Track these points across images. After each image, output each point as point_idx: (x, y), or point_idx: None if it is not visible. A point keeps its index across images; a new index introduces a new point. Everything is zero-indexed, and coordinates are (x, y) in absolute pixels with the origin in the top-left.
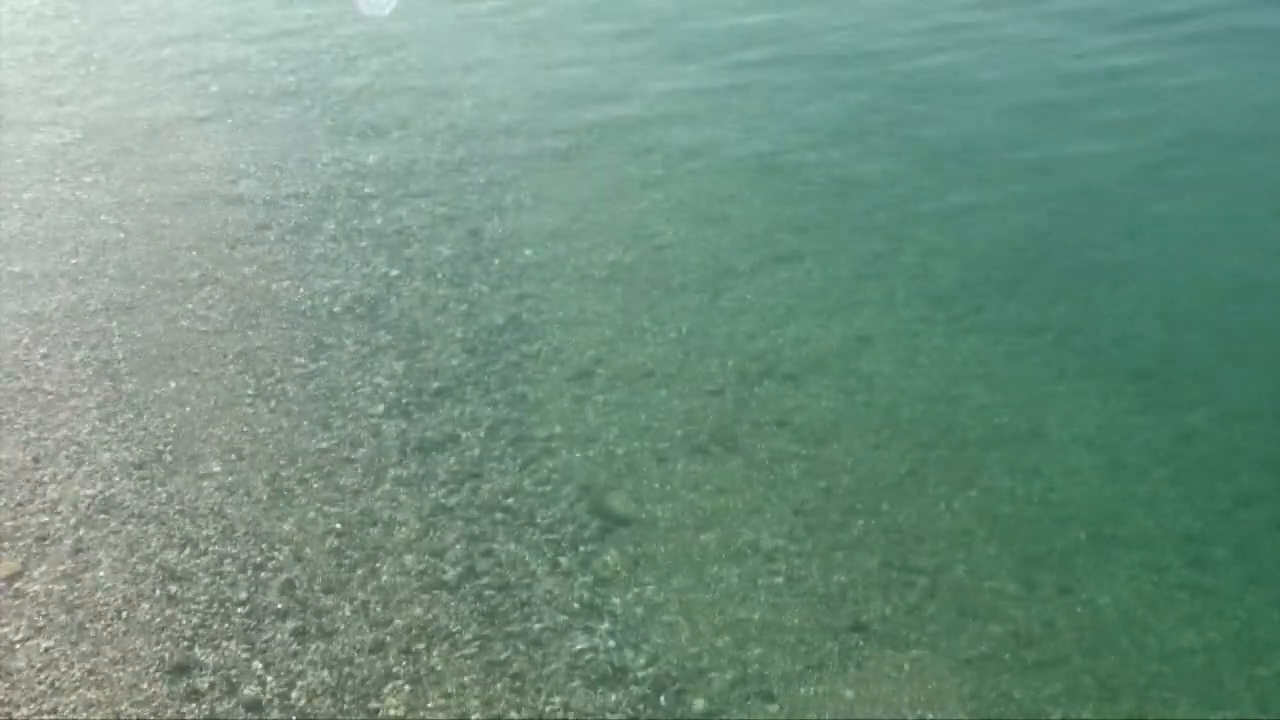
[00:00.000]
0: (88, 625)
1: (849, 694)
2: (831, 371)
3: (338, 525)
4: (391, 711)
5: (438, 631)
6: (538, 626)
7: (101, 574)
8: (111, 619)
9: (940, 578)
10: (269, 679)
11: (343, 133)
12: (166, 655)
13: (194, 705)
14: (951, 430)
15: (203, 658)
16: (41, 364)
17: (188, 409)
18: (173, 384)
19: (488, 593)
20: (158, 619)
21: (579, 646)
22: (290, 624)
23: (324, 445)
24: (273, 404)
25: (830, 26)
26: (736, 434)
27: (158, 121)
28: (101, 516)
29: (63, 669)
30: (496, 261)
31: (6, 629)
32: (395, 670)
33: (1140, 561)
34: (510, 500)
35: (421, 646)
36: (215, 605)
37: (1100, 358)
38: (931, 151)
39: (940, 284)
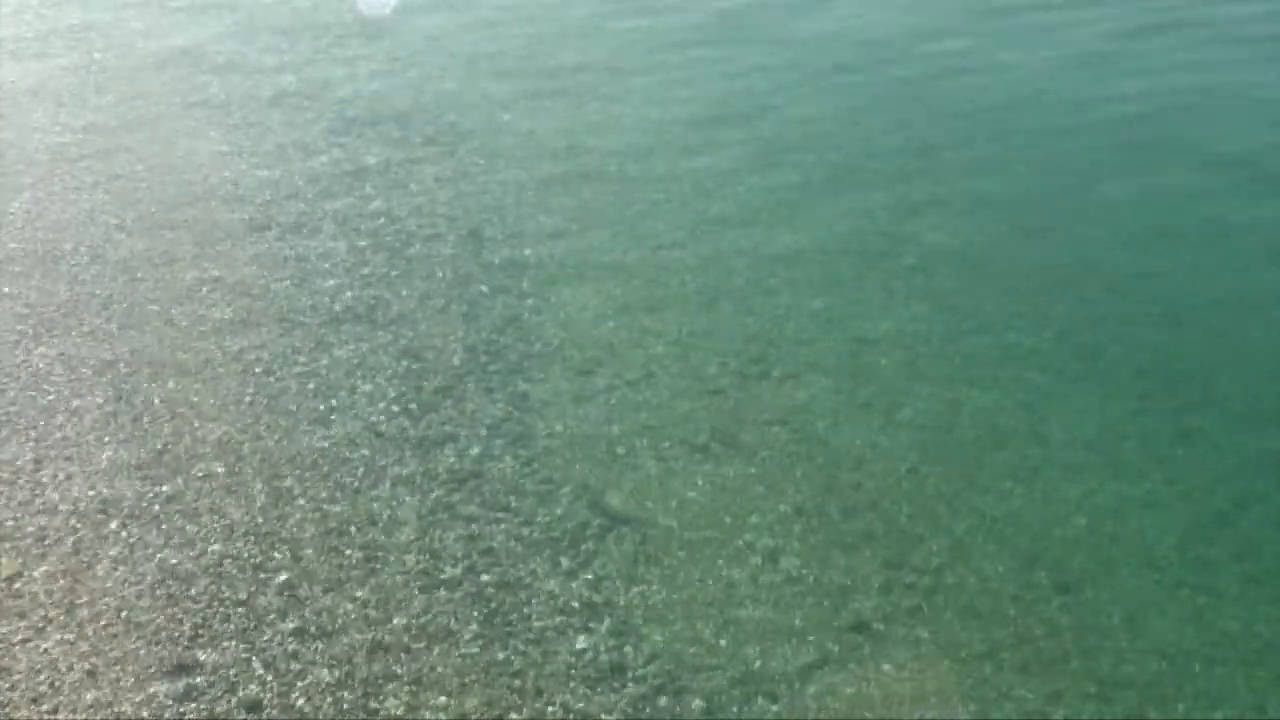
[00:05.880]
0: (88, 625)
1: (849, 693)
2: (832, 370)
3: (337, 525)
4: (391, 711)
5: (438, 631)
6: (538, 625)
7: (101, 574)
8: (111, 619)
9: (941, 577)
10: (269, 679)
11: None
12: (166, 655)
13: (193, 705)
14: (952, 430)
15: (202, 657)
16: (42, 365)
17: (187, 409)
18: (172, 384)
19: (488, 592)
20: (157, 619)
21: (579, 645)
22: (290, 624)
23: (324, 444)
24: (272, 403)
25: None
26: (737, 433)
27: (158, 121)
28: (101, 517)
29: (63, 669)
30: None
31: (7, 629)
32: (395, 670)
33: (1140, 561)
34: (511, 499)
35: (421, 646)
36: (215, 605)
37: (1100, 357)
38: (929, 146)
39: (941, 283)
